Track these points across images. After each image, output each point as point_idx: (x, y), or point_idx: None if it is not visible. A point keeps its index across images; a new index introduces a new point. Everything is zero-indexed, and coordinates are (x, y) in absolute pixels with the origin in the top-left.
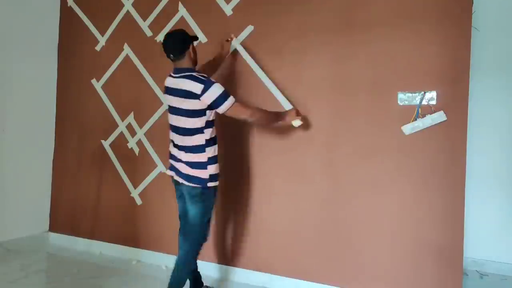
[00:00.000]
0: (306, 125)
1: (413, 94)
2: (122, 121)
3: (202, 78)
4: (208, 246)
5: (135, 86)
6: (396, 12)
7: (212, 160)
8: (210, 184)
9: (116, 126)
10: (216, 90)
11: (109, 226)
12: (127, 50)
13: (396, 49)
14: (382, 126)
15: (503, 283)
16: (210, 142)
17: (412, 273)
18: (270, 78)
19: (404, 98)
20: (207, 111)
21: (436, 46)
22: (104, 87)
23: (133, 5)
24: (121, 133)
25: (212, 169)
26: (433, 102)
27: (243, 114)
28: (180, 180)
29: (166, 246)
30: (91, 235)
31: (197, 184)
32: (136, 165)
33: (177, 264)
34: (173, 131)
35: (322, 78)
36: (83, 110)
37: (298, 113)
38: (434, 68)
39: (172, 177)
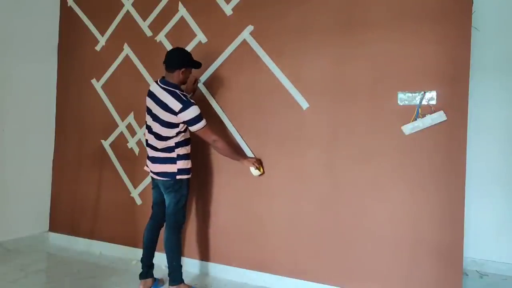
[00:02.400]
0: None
1: (413, 94)
2: (122, 121)
3: (183, 98)
4: (208, 246)
5: (135, 86)
6: (396, 12)
7: (181, 157)
8: (179, 177)
9: (116, 126)
10: (192, 111)
11: (109, 226)
12: (127, 50)
13: (396, 49)
14: (382, 126)
15: (503, 283)
16: (180, 143)
17: (412, 273)
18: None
19: (404, 98)
20: (181, 124)
21: (436, 46)
22: (104, 87)
23: (133, 5)
24: (121, 133)
25: (181, 164)
26: (433, 102)
27: (208, 138)
28: (155, 176)
29: None
30: (91, 235)
31: (168, 178)
32: (136, 165)
33: (165, 246)
34: (149, 131)
35: (322, 78)
36: (83, 110)
37: (259, 163)
38: (434, 68)
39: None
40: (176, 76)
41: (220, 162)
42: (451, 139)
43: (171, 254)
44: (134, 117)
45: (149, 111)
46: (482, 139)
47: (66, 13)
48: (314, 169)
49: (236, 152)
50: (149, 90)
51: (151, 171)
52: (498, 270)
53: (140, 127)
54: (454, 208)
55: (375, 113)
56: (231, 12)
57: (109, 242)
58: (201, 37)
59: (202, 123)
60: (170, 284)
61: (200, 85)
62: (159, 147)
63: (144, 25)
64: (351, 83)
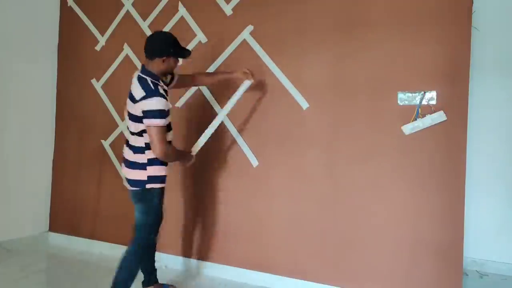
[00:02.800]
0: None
1: (413, 94)
2: (122, 121)
3: (149, 87)
4: (208, 246)
5: None
6: (396, 12)
7: (152, 162)
8: (149, 186)
9: (116, 126)
10: (154, 103)
11: (109, 226)
12: (127, 50)
13: (396, 49)
14: (382, 126)
15: (503, 283)
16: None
17: (412, 273)
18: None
19: (404, 98)
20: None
21: (436, 46)
22: (104, 87)
23: (133, 5)
24: (121, 133)
25: (151, 170)
26: (433, 102)
27: (155, 141)
28: (125, 184)
29: (166, 246)
30: (91, 235)
31: (136, 187)
32: None
33: (121, 258)
34: (127, 135)
35: (322, 78)
36: (83, 110)
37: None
38: (434, 68)
39: None
40: (156, 65)
41: (220, 162)
42: (451, 139)
43: (122, 275)
44: None
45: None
46: (482, 139)
47: (66, 13)
48: (314, 169)
49: (178, 154)
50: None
51: (124, 178)
52: (498, 270)
53: None
54: (454, 208)
55: (375, 113)
56: (231, 12)
57: (109, 242)
58: (201, 37)
59: (159, 121)
60: None
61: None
62: (132, 144)
63: (144, 25)
64: (351, 83)
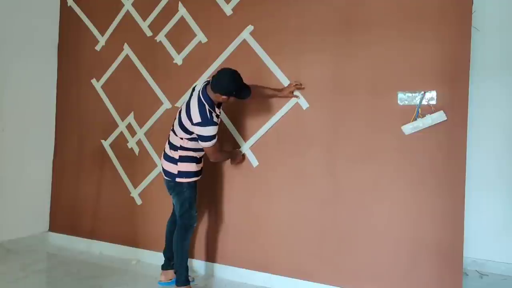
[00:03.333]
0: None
1: (413, 94)
2: (122, 121)
3: (205, 114)
4: (208, 246)
5: (135, 86)
6: (396, 12)
7: (183, 159)
8: (179, 180)
9: (116, 126)
10: (208, 131)
11: (109, 226)
12: (127, 50)
13: (396, 49)
14: (382, 126)
15: (503, 283)
16: (186, 148)
17: (412, 273)
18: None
19: (404, 98)
20: (193, 134)
21: (436, 46)
22: (104, 87)
23: (133, 5)
24: (121, 133)
25: (182, 166)
26: (433, 102)
27: (210, 155)
28: (162, 173)
29: None
30: (91, 235)
31: (168, 177)
32: (136, 165)
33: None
34: (172, 127)
35: (322, 78)
36: (83, 110)
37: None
38: (434, 68)
39: None
40: (216, 97)
41: (220, 162)
42: (451, 139)
43: (176, 255)
44: (134, 117)
45: (181, 110)
46: (482, 139)
47: (66, 13)
48: (314, 169)
49: (224, 155)
50: (193, 87)
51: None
52: (498, 270)
53: (140, 127)
54: (454, 208)
55: (375, 113)
56: (231, 12)
57: (109, 242)
58: (201, 37)
59: (212, 143)
60: (175, 284)
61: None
62: (173, 143)
63: (144, 25)
64: (351, 83)
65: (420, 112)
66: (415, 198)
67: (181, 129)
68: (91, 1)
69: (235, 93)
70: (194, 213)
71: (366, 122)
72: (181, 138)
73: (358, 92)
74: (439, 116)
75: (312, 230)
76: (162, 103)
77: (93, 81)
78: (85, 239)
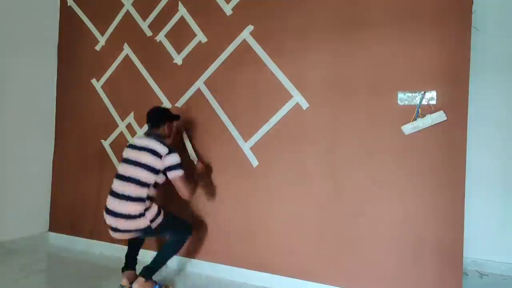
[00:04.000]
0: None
1: (413, 94)
2: (122, 121)
3: (169, 146)
4: (209, 246)
5: (135, 86)
6: (396, 12)
7: (149, 208)
8: (154, 226)
9: (116, 126)
10: (175, 158)
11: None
12: (127, 50)
13: (396, 48)
14: (382, 126)
15: (503, 283)
16: (150, 196)
17: (412, 273)
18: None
19: (404, 98)
20: (160, 173)
21: (436, 46)
22: (104, 87)
23: (133, 5)
24: (121, 133)
25: (151, 213)
26: (433, 102)
27: (181, 188)
28: (121, 235)
29: None
30: (91, 235)
31: (138, 233)
32: None
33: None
34: (121, 179)
35: (322, 78)
36: (83, 110)
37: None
38: (434, 68)
39: None
40: (161, 131)
41: (220, 162)
42: (451, 139)
43: (161, 259)
44: (134, 117)
45: (126, 160)
46: (482, 138)
47: (66, 13)
48: (314, 169)
49: (192, 187)
50: (130, 144)
51: (112, 228)
52: (498, 270)
53: (140, 127)
54: (454, 208)
55: (375, 112)
56: (231, 12)
57: (109, 242)
58: (201, 37)
59: (183, 171)
60: (145, 275)
61: (201, 85)
62: (132, 195)
63: (144, 25)
64: (351, 83)
65: (420, 112)
66: (415, 198)
67: (149, 171)
68: (91, 1)
69: (171, 117)
70: (188, 224)
71: (366, 122)
72: (148, 185)
73: (358, 92)
74: (439, 116)
75: (312, 230)
76: (162, 103)
77: (93, 81)
78: (85, 239)
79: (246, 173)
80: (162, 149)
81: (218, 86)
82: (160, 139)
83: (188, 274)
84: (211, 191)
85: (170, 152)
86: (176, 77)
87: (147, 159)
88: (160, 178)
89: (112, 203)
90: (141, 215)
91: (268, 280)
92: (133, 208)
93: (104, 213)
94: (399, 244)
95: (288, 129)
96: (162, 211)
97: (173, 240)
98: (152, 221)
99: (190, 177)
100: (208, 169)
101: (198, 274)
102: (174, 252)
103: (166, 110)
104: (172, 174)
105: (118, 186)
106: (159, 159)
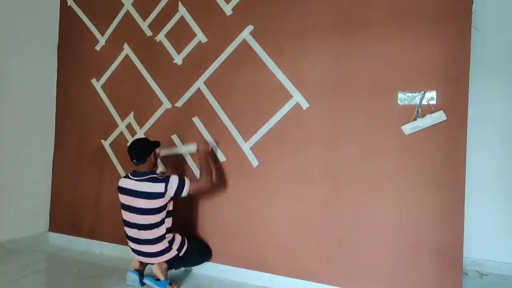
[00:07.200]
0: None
1: (413, 94)
2: (122, 121)
3: (160, 177)
4: (209, 246)
5: (135, 86)
6: (396, 12)
7: (172, 241)
8: (182, 253)
9: (116, 126)
10: (174, 181)
11: (109, 226)
12: (127, 50)
13: (396, 48)
14: (382, 126)
15: (503, 283)
16: (168, 227)
17: (412, 273)
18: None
19: (404, 97)
20: (166, 205)
21: (436, 46)
22: (104, 87)
23: (133, 5)
24: (121, 133)
25: (176, 243)
26: (433, 102)
27: (198, 188)
28: (145, 258)
29: None
30: (91, 235)
31: (169, 258)
32: None
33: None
34: (130, 226)
35: (322, 78)
36: (83, 110)
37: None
38: (434, 68)
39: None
40: (148, 163)
41: (220, 162)
42: (451, 139)
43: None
44: (134, 117)
45: (129, 208)
46: (482, 138)
47: (66, 13)
48: (314, 169)
49: (209, 164)
50: (121, 187)
51: (138, 252)
52: (498, 270)
53: (140, 127)
54: (454, 208)
55: (375, 113)
56: (231, 12)
57: (109, 242)
58: (201, 37)
59: (186, 182)
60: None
61: (201, 85)
62: (150, 237)
63: (144, 25)
64: (351, 83)
65: (420, 112)
66: (415, 198)
67: (156, 214)
68: (91, 1)
69: (152, 144)
70: (209, 250)
71: (366, 122)
72: (161, 222)
73: (358, 92)
74: (439, 116)
75: (312, 230)
76: (162, 103)
77: (93, 81)
78: (85, 239)
79: (246, 173)
80: (160, 187)
81: (218, 86)
82: (151, 175)
83: (189, 273)
84: (219, 172)
85: (167, 182)
86: (176, 77)
87: (148, 204)
88: (170, 206)
89: (137, 247)
90: (168, 249)
91: (268, 280)
92: (158, 247)
93: (131, 251)
94: (399, 244)
95: (288, 129)
96: (186, 240)
97: (193, 259)
98: (179, 249)
99: (196, 174)
100: (207, 146)
101: (198, 274)
102: (189, 265)
103: (145, 140)
104: (185, 192)
105: (134, 234)
106: (162, 198)
